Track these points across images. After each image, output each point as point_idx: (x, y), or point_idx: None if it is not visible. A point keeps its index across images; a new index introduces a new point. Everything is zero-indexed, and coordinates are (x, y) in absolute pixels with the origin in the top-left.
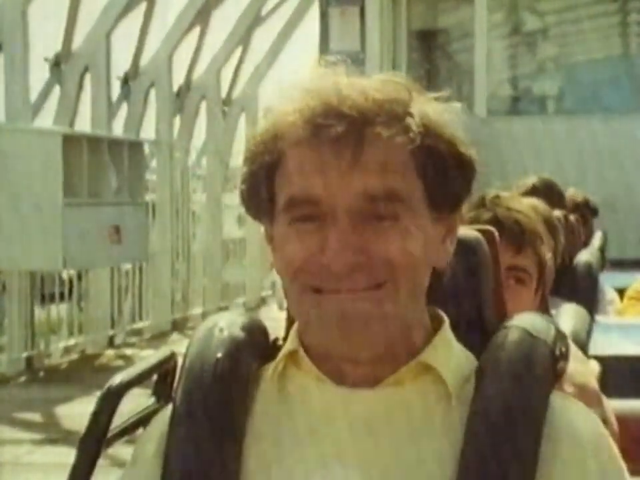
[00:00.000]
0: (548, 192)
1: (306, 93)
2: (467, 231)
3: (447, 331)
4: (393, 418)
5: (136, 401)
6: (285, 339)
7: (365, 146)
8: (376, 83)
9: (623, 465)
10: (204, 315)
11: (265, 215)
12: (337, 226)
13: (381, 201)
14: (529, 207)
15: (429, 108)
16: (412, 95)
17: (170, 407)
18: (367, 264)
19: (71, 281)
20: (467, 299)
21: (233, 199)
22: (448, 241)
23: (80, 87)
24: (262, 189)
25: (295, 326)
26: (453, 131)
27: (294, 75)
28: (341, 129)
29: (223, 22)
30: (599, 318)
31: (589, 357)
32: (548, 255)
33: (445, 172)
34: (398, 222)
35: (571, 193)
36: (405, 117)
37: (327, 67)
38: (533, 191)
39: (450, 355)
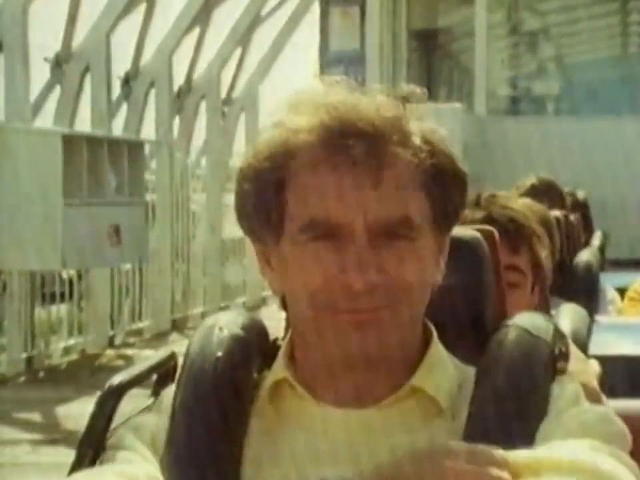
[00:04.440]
0: (548, 192)
1: (319, 108)
2: (466, 231)
3: (436, 347)
4: (376, 438)
5: (135, 401)
6: (285, 339)
7: (384, 168)
8: (380, 99)
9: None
10: (204, 315)
11: (268, 234)
12: (356, 246)
13: (398, 225)
14: (524, 205)
15: (423, 123)
16: (406, 108)
17: (164, 399)
18: (386, 284)
19: (71, 281)
20: (467, 298)
21: (232, 199)
22: (441, 257)
23: (80, 87)
24: (269, 208)
25: (283, 350)
26: (449, 146)
27: (296, 84)
28: (360, 149)
29: (223, 22)
30: (599, 318)
31: (588, 356)
32: (544, 254)
33: (447, 191)
34: (413, 243)
35: (581, 195)
36: (411, 135)
37: (329, 81)
38: (532, 191)
39: (440, 373)
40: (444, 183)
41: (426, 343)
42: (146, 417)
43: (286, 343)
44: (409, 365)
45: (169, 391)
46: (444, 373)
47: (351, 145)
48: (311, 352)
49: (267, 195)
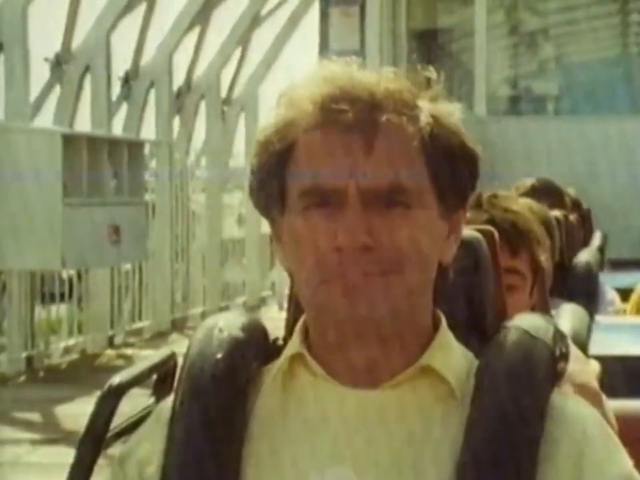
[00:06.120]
0: (547, 192)
1: (319, 79)
2: (466, 231)
3: (445, 331)
4: (390, 419)
5: (135, 401)
6: (285, 338)
7: (377, 133)
8: (388, 75)
9: (623, 453)
10: (204, 315)
11: (274, 207)
12: (348, 211)
13: (391, 191)
14: (525, 207)
15: (437, 103)
16: (421, 89)
17: (164, 405)
18: (376, 248)
19: (71, 281)
20: (467, 299)
21: (232, 199)
22: (452, 237)
23: (80, 86)
24: (273, 179)
25: (299, 327)
26: (460, 126)
27: (298, 73)
28: (353, 115)
29: (223, 22)
30: (598, 318)
31: (588, 356)
32: (545, 256)
33: (453, 165)
34: (407, 211)
35: (571, 193)
36: (414, 107)
37: (338, 61)
38: (532, 192)
39: (450, 355)
40: (449, 158)
41: (435, 328)
42: (133, 445)
43: (301, 321)
44: (417, 345)
45: (167, 403)
46: (453, 355)
47: (345, 110)
48: (316, 326)
49: (271, 167)
